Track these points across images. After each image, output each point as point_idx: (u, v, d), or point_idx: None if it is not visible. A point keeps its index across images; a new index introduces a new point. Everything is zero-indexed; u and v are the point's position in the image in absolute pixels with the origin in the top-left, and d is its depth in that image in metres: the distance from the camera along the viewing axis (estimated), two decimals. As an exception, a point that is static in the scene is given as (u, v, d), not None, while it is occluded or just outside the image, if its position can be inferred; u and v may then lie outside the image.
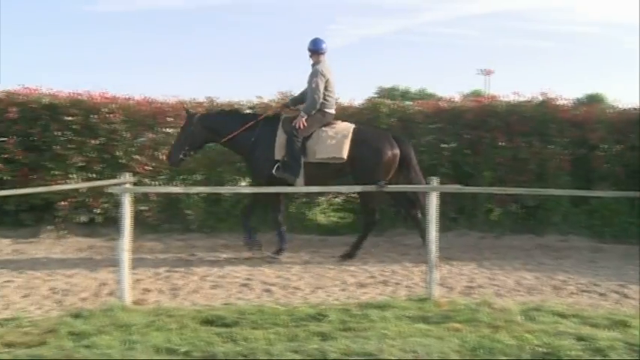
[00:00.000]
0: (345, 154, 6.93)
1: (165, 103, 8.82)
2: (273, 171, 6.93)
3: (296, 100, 7.54)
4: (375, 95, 25.08)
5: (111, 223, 8.07)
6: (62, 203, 8.18)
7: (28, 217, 8.35)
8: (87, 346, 3.90)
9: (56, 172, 8.23)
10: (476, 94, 23.88)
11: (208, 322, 4.49)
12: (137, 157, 8.47)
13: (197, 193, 8.48)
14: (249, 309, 4.79)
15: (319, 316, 4.57)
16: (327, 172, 7.02)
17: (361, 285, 6.07)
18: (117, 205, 5.35)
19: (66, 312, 4.85)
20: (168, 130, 8.76)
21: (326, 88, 7.08)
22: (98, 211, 8.38)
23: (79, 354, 3.75)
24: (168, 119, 8.66)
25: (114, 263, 5.95)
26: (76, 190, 8.05)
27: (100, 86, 8.88)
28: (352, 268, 6.73)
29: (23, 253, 7.26)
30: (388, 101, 9.37)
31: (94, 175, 8.31)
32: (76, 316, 4.61)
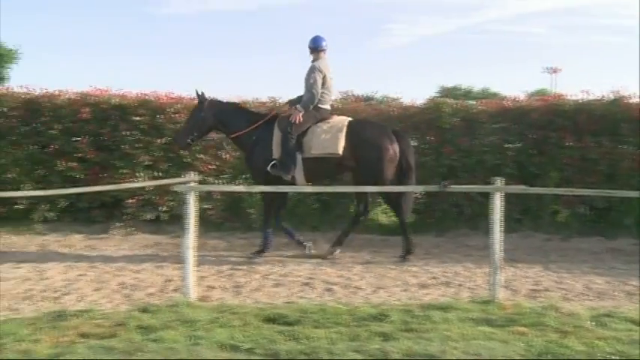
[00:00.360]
0: (340, 149, 6.90)
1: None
2: (268, 168, 6.94)
3: (294, 101, 7.41)
4: (437, 95, 24.80)
5: (176, 220, 8.26)
6: (130, 201, 8.45)
7: (99, 213, 8.66)
8: (154, 340, 4.00)
9: (124, 171, 8.50)
10: (541, 93, 23.30)
11: (271, 320, 4.53)
12: (201, 156, 8.63)
13: (259, 192, 8.57)
14: (311, 308, 4.82)
15: (381, 317, 4.55)
16: (327, 167, 7.03)
17: (423, 286, 6.01)
18: (182, 203, 5.47)
19: (134, 306, 5.00)
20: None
21: (322, 85, 7.08)
22: (164, 208, 8.58)
23: (147, 347, 3.85)
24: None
25: (179, 260, 6.10)
26: (143, 188, 8.28)
27: (167, 87, 9.11)
28: (414, 269, 6.68)
29: (94, 248, 7.52)
30: (451, 101, 9.26)
31: (160, 174, 8.52)
32: (144, 310, 4.75)
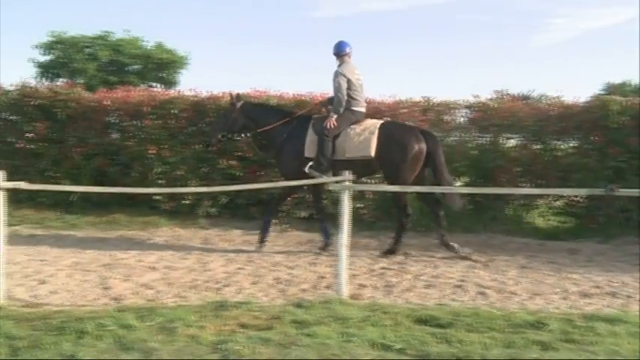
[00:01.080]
0: (372, 152, 7.10)
1: (382, 103, 9.01)
2: (305, 168, 7.16)
3: (324, 103, 7.90)
4: (603, 92, 23.17)
5: (329, 218, 8.45)
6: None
7: (257, 210, 9.04)
8: (308, 335, 4.12)
9: (281, 170, 8.80)
10: None
11: (422, 321, 4.49)
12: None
13: (412, 192, 8.51)
14: (464, 311, 4.71)
15: (538, 324, 4.34)
16: (356, 168, 6.80)
17: (585, 295, 5.64)
18: (335, 201, 5.57)
19: (289, 301, 5.18)
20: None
21: (349, 88, 7.28)
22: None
23: (301, 341, 3.97)
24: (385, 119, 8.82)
25: (331, 257, 6.22)
26: (298, 186, 8.53)
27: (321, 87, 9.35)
28: (574, 276, 6.29)
29: (252, 243, 7.87)
30: (619, 98, 8.61)
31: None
32: (298, 305, 4.89)
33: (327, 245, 7.47)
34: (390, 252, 7.33)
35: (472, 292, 5.73)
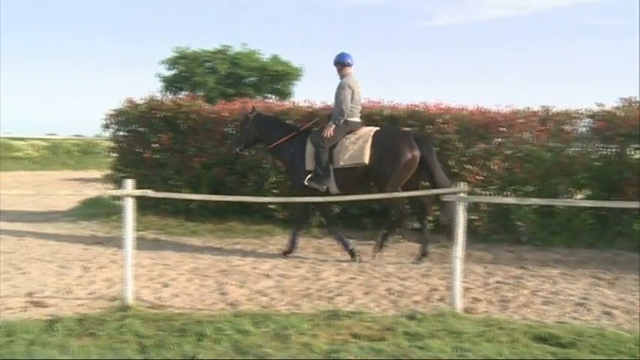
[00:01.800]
0: (366, 159, 7.28)
1: (499, 113, 8.78)
2: (305, 181, 7.40)
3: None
4: None
5: (441, 230, 8.32)
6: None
7: (369, 221, 9.06)
8: (420, 348, 4.07)
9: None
10: None
11: (541, 339, 4.32)
12: (468, 166, 8.57)
13: (529, 205, 8.21)
14: (588, 331, 4.48)
15: (673, 350, 4.04)
16: (355, 176, 7.39)
17: None
18: (449, 213, 5.48)
19: (401, 312, 5.15)
20: (500, 139, 8.70)
21: (352, 99, 7.48)
22: (430, 218, 8.67)
23: (414, 354, 3.93)
24: (501, 129, 8.60)
25: (444, 270, 6.10)
26: (411, 197, 8.47)
27: (438, 98, 9.28)
28: None
29: (364, 254, 7.88)
30: None
31: (427, 184, 8.65)
32: (410, 317, 4.85)
33: (352, 254, 7.62)
34: (379, 248, 7.68)
35: (596, 311, 5.43)
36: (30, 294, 5.83)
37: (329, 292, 6.02)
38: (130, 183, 5.38)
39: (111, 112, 10.66)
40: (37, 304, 5.46)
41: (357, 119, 7.71)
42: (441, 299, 5.71)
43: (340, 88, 7.51)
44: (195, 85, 24.55)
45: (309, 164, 7.52)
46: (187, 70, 25.13)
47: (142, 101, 10.48)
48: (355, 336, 4.36)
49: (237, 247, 8.25)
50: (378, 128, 7.67)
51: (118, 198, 8.56)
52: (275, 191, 9.32)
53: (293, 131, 7.94)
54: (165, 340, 4.20)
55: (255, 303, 5.62)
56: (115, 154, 11.04)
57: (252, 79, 26.24)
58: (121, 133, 10.74)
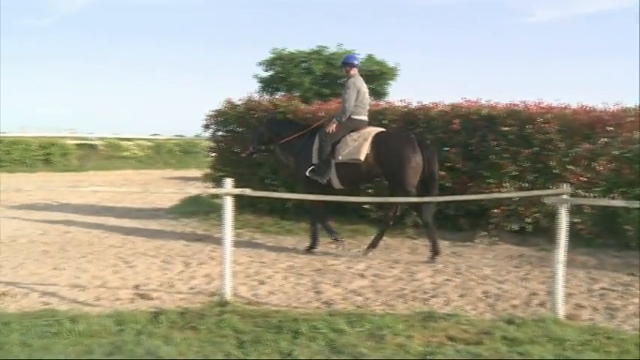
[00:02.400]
0: (362, 156, 7.59)
1: (605, 111, 8.37)
2: (307, 173, 7.83)
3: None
4: None
5: (541, 233, 8.05)
6: (495, 211, 8.47)
7: (465, 222, 8.87)
8: (520, 354, 3.96)
9: (490, 181, 8.56)
10: None
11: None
12: (571, 167, 8.23)
13: (639, 208, 7.77)
14: None
15: None
16: (355, 172, 7.75)
17: None
18: (548, 215, 5.29)
19: (498, 317, 5.02)
20: (606, 139, 8.30)
21: (357, 99, 7.83)
22: (529, 220, 8.40)
23: (513, 360, 3.82)
24: (608, 128, 8.19)
25: (544, 274, 5.89)
26: (509, 198, 8.24)
27: (538, 97, 8.95)
28: None
29: (460, 255, 7.76)
30: None
31: (526, 185, 8.39)
32: (509, 322, 4.72)
33: (336, 240, 8.15)
34: (372, 246, 7.93)
35: None
36: (136, 286, 6.14)
37: (424, 294, 5.96)
38: (229, 182, 5.54)
39: (211, 113, 11.02)
40: (143, 297, 5.74)
41: (363, 117, 8.05)
42: (541, 304, 5.52)
43: (346, 88, 7.91)
44: (291, 86, 24.98)
45: (315, 158, 7.95)
46: (284, 71, 25.61)
47: (240, 102, 10.76)
48: (451, 339, 4.30)
49: (332, 246, 8.31)
50: (382, 129, 8.05)
51: (217, 196, 8.89)
52: (370, 191, 9.31)
53: (304, 129, 8.40)
54: (262, 336, 4.30)
55: (350, 302, 5.64)
56: (214, 154, 11.41)
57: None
58: (220, 133, 11.09)
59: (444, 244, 8.29)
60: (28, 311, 5.06)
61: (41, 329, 4.45)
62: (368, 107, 8.13)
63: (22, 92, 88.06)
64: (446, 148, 8.92)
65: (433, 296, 5.86)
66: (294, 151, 8.31)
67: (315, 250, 8.00)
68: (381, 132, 7.88)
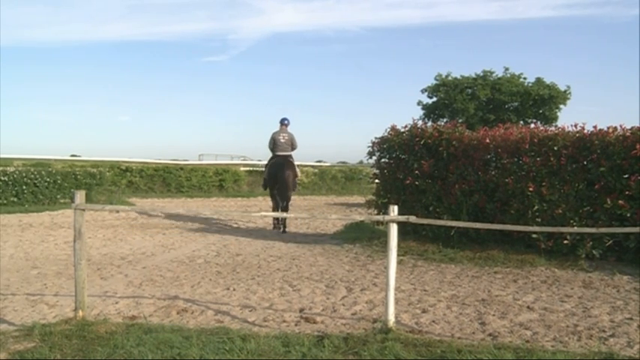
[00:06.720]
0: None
1: None
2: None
3: None
4: None
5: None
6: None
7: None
8: None
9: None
10: None
11: None
12: None
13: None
14: None
15: None
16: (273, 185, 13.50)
17: None
18: None
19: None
20: None
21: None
22: None
23: None
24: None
25: None
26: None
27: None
28: None
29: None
30: None
31: None
32: None
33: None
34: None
35: None
36: (301, 309, 6.33)
37: (601, 332, 5.50)
38: (394, 209, 5.54)
39: (375, 140, 11.17)
40: (308, 320, 5.89)
41: (282, 153, 13.53)
42: None
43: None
44: (455, 112, 24.70)
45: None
46: (447, 97, 25.41)
47: (404, 129, 10.79)
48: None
49: (498, 276, 7.99)
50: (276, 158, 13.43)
51: (381, 223, 8.93)
52: (538, 220, 8.85)
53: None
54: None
55: (517, 336, 5.36)
56: (377, 180, 11.52)
57: (514, 104, 25.57)
58: (384, 160, 11.18)
59: (622, 279, 7.67)
60: (204, 327, 5.43)
61: (216, 345, 4.73)
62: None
63: (197, 121, 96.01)
64: (625, 176, 8.26)
65: (612, 335, 5.39)
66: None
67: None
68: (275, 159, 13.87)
